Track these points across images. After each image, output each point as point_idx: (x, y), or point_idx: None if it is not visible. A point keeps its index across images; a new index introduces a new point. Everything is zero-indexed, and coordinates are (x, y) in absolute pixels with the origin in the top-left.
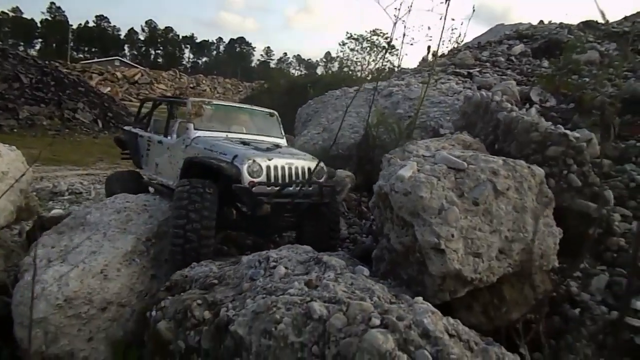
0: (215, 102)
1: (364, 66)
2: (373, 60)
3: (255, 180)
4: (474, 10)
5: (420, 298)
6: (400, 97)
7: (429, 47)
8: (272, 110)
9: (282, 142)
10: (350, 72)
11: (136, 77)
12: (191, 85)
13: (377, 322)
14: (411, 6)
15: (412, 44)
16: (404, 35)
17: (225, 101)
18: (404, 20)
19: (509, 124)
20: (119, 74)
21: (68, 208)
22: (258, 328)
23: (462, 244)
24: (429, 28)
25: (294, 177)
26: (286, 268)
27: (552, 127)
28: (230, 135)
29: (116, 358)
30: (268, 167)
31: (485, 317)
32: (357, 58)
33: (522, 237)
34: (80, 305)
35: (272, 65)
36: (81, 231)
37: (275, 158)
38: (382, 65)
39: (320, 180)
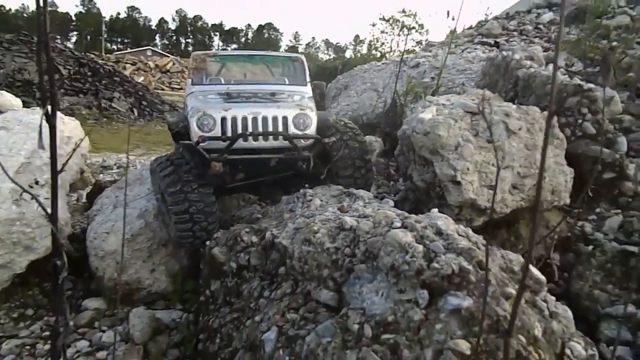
0: (221, 53)
1: (394, 47)
2: (402, 41)
3: (207, 134)
4: None
5: (436, 209)
6: (427, 67)
7: (448, 12)
8: (296, 55)
9: (302, 89)
10: (379, 54)
11: (168, 66)
12: None
13: (398, 224)
14: None
15: (432, 15)
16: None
17: (236, 51)
18: None
19: (528, 79)
20: (151, 64)
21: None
22: (299, 238)
23: (477, 177)
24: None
25: (260, 128)
26: (321, 200)
27: (568, 78)
28: (232, 87)
29: (175, 286)
30: (223, 119)
31: None
32: (386, 40)
33: (533, 173)
34: (144, 240)
35: (300, 50)
36: (139, 184)
37: (235, 108)
38: (412, 47)
39: (305, 133)
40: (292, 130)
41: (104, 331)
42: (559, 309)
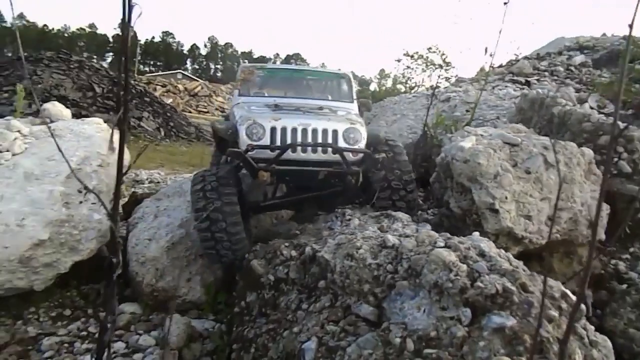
0: (269, 66)
1: (419, 82)
2: (429, 77)
3: (255, 143)
4: None
5: (477, 233)
6: (457, 101)
7: (486, 49)
8: (341, 72)
9: (348, 105)
10: (404, 89)
11: (196, 90)
12: None
13: (441, 244)
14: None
15: (465, 50)
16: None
17: (283, 65)
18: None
19: (563, 117)
20: (180, 87)
21: None
22: (341, 253)
23: (514, 206)
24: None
25: (310, 141)
26: (359, 220)
27: (604, 117)
28: (279, 100)
29: (208, 297)
30: (273, 129)
31: None
32: (411, 75)
33: (570, 207)
34: (183, 250)
35: None
36: (178, 196)
37: (285, 119)
38: (438, 82)
39: (354, 147)
40: (341, 144)
41: (140, 334)
42: (599, 339)
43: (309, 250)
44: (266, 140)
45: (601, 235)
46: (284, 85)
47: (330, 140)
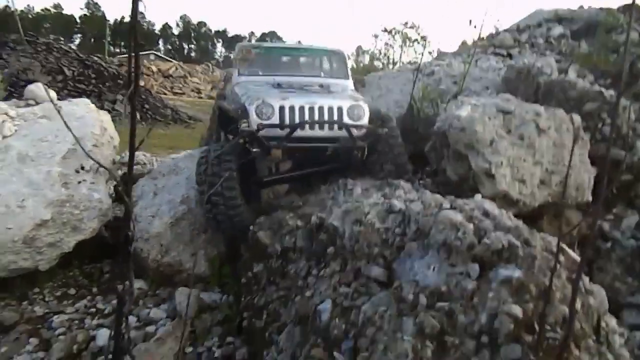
0: (266, 44)
1: (397, 59)
2: (404, 53)
3: (265, 122)
4: None
5: (479, 195)
6: (442, 74)
7: (470, 21)
8: (336, 49)
9: (344, 82)
10: (381, 66)
11: (170, 71)
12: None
13: (447, 206)
14: None
15: (441, 22)
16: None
17: (280, 43)
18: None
19: (549, 85)
20: (154, 68)
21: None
22: (349, 219)
23: (509, 170)
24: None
25: (316, 118)
26: (362, 189)
27: (588, 85)
28: (278, 78)
29: (212, 271)
30: (282, 108)
31: None
32: (388, 52)
33: (560, 170)
34: (186, 225)
35: None
36: (175, 174)
37: (292, 98)
38: (415, 58)
39: (359, 123)
40: (346, 120)
41: (150, 308)
42: (594, 288)
43: (315, 219)
44: (275, 119)
45: (588, 197)
46: (281, 63)
47: (335, 117)
